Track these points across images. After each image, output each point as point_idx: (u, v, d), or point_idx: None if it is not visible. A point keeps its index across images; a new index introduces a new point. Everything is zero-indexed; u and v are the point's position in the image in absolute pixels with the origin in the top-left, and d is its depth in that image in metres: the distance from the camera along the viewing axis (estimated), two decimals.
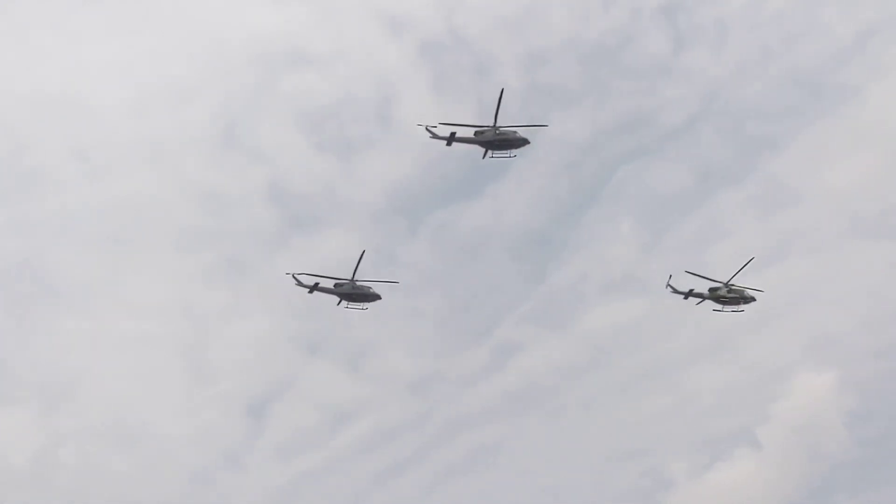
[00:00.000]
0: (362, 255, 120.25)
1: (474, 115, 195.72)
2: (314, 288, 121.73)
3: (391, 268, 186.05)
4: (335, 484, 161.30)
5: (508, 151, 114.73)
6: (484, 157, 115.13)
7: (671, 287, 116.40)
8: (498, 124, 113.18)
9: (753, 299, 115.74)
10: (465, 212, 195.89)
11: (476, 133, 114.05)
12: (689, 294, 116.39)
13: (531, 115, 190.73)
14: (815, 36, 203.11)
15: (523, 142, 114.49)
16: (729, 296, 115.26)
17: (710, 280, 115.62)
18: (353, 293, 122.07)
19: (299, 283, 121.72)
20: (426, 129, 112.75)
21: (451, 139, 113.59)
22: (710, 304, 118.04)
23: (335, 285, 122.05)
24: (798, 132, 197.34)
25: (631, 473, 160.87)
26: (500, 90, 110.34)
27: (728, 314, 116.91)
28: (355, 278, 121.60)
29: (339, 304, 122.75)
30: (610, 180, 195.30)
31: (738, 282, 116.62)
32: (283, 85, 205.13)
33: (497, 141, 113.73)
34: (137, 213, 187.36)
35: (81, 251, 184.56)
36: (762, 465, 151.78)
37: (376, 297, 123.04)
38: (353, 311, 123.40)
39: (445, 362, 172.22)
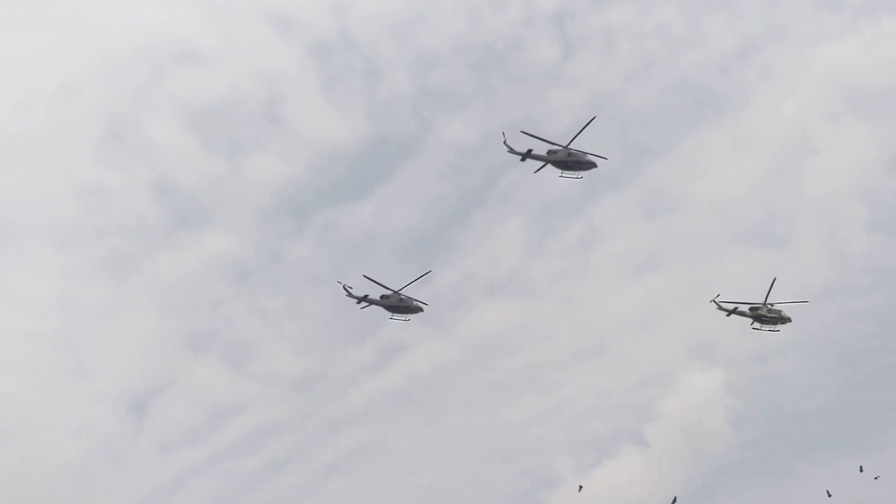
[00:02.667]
0: (426, 273, 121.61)
1: (362, 116, 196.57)
2: (363, 299, 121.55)
3: (277, 266, 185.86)
4: (216, 480, 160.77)
5: (577, 172, 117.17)
6: (561, 175, 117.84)
7: (715, 304, 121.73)
8: (570, 146, 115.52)
9: (790, 320, 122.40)
10: (351, 212, 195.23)
11: (549, 152, 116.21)
12: (732, 311, 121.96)
13: (421, 118, 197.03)
14: (700, 45, 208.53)
15: (591, 165, 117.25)
16: (769, 315, 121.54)
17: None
18: (399, 305, 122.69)
19: (349, 294, 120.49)
20: (504, 143, 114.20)
21: (527, 155, 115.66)
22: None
23: (381, 296, 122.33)
24: (681, 140, 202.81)
25: (515, 472, 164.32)
26: (592, 117, 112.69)
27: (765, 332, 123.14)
28: (400, 291, 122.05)
29: (391, 317, 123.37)
30: (497, 183, 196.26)
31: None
32: (171, 83, 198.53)
33: (569, 162, 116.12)
34: (20, 208, 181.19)
35: None
36: (649, 463, 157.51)
37: (419, 309, 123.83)
38: (397, 321, 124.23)
39: (329, 362, 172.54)
